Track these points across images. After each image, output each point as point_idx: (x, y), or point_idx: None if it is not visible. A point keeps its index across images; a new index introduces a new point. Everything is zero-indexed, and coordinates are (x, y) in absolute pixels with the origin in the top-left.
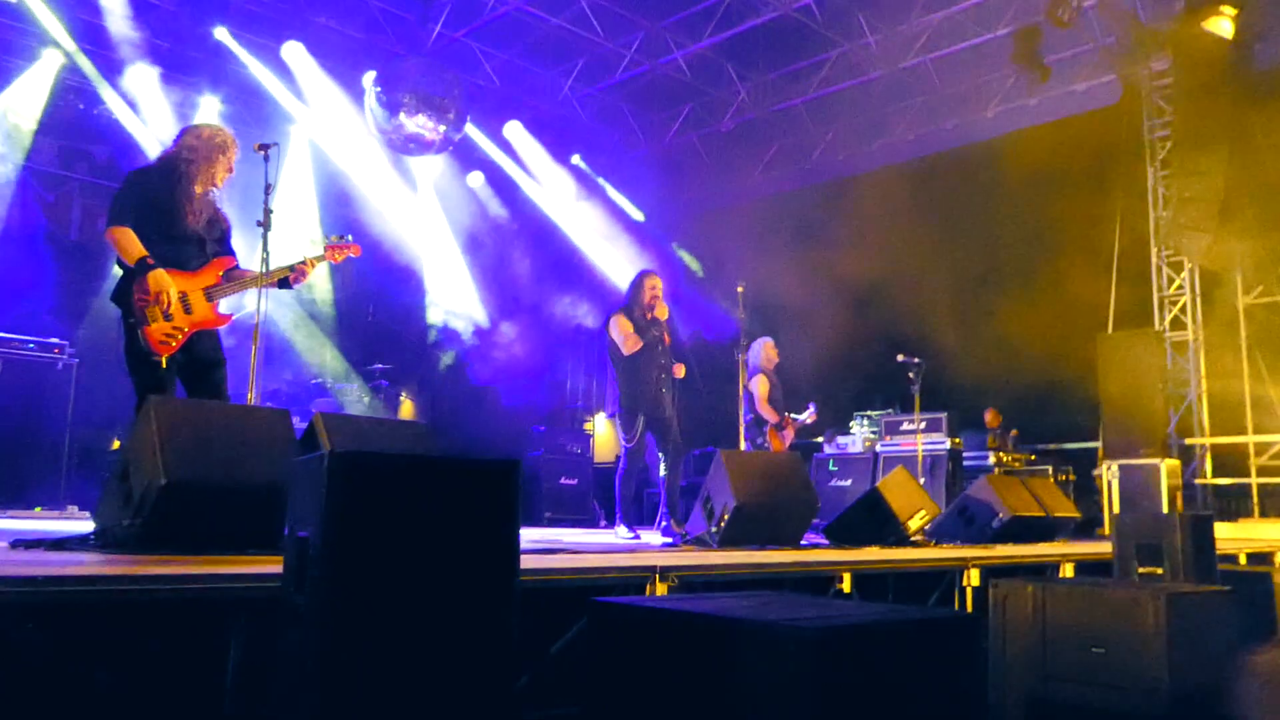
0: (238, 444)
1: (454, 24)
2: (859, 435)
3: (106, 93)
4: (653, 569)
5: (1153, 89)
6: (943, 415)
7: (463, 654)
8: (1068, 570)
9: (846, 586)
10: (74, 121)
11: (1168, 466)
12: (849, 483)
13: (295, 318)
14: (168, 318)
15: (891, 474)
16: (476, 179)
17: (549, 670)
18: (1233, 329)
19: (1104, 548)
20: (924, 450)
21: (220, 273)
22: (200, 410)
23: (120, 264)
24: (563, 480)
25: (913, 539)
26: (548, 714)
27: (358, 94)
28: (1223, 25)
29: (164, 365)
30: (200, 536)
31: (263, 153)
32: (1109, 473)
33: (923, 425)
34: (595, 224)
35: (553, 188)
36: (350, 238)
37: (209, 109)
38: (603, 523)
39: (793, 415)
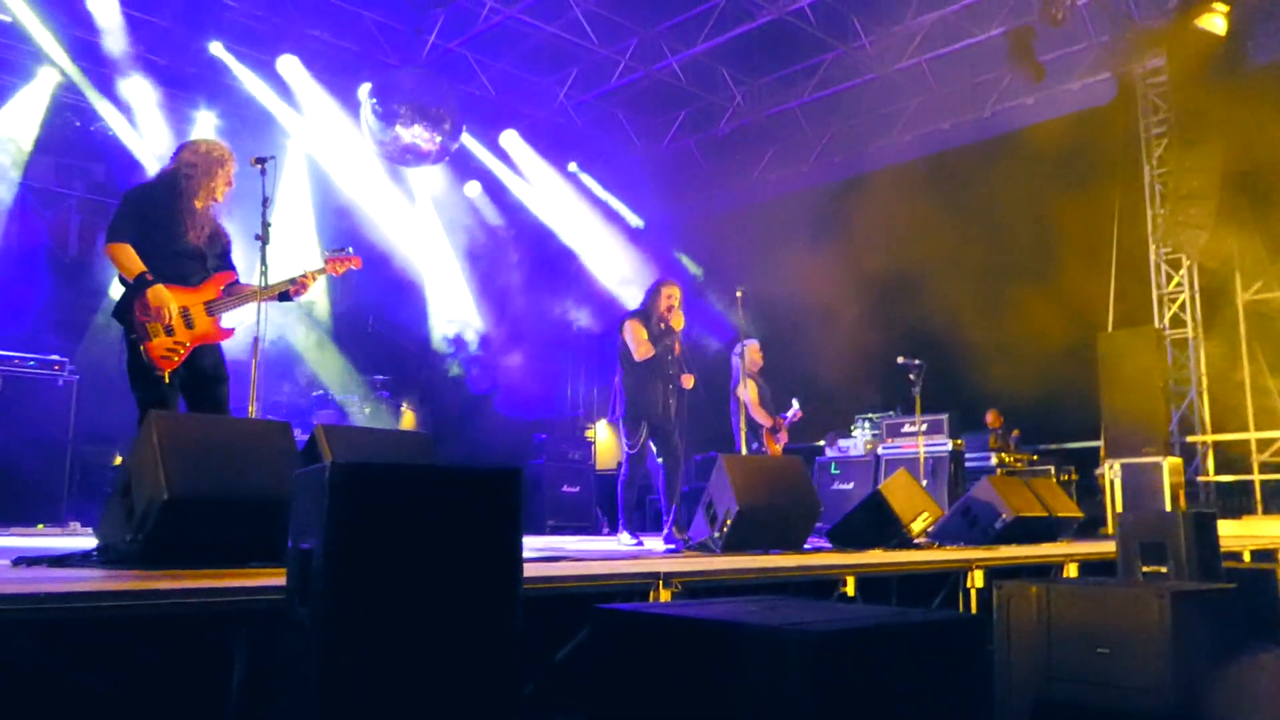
0: (239, 457)
1: (448, 34)
2: (860, 438)
3: (103, 109)
4: (656, 575)
5: (1148, 86)
6: (944, 417)
7: (466, 663)
8: (1071, 570)
9: (850, 590)
10: (71, 139)
11: (1170, 465)
12: (851, 486)
13: (295, 330)
14: (169, 333)
15: (893, 476)
16: (474, 188)
17: (553, 678)
18: (1232, 325)
19: (1107, 547)
20: (926, 452)
21: (221, 287)
22: (201, 424)
23: (121, 280)
24: (565, 488)
25: (916, 541)
26: None
27: (353, 106)
28: (1216, 22)
29: (167, 380)
30: (203, 550)
31: (259, 166)
32: (1111, 472)
33: (924, 427)
34: (593, 231)
35: (550, 196)
36: (350, 249)
37: (205, 124)
38: (605, 529)
39: (781, 415)
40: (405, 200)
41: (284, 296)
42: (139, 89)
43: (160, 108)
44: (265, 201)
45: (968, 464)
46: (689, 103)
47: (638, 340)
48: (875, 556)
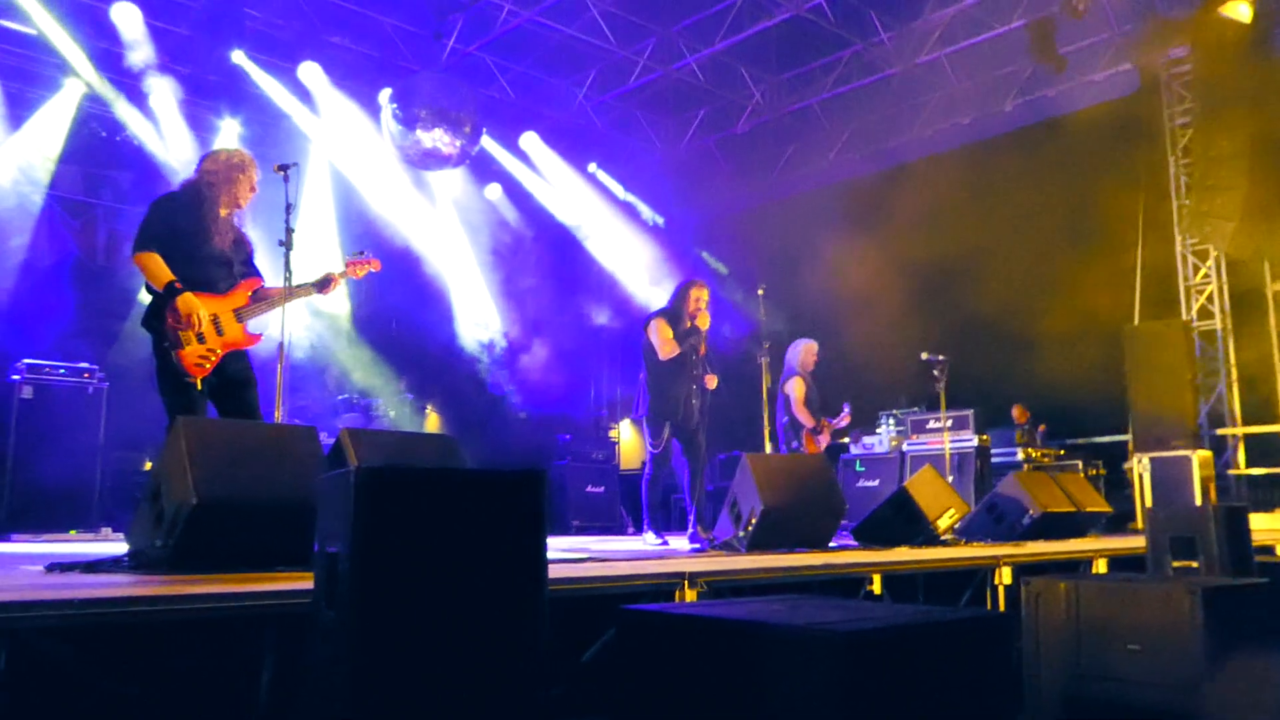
0: (266, 462)
1: (467, 38)
2: (885, 435)
3: (128, 119)
4: (681, 575)
5: (1172, 77)
6: (969, 412)
7: (494, 666)
8: (1100, 566)
9: (877, 588)
10: (97, 148)
11: (1199, 458)
12: (876, 483)
13: (320, 335)
14: (201, 340)
15: (919, 473)
16: (494, 191)
17: (581, 679)
18: (1261, 316)
19: (1137, 542)
20: (951, 448)
21: (248, 293)
22: (229, 429)
23: (149, 289)
24: (589, 488)
25: (942, 538)
26: None
27: (374, 111)
28: (1241, 10)
29: (199, 387)
30: (232, 555)
31: (282, 173)
32: (1140, 466)
33: (949, 423)
34: (614, 231)
35: (570, 197)
36: (369, 253)
37: (229, 132)
38: (630, 529)
39: (828, 419)
40: (427, 204)
41: (321, 286)
42: (163, 98)
43: (184, 116)
44: (288, 208)
45: (994, 460)
46: (708, 101)
47: (663, 339)
48: (901, 554)
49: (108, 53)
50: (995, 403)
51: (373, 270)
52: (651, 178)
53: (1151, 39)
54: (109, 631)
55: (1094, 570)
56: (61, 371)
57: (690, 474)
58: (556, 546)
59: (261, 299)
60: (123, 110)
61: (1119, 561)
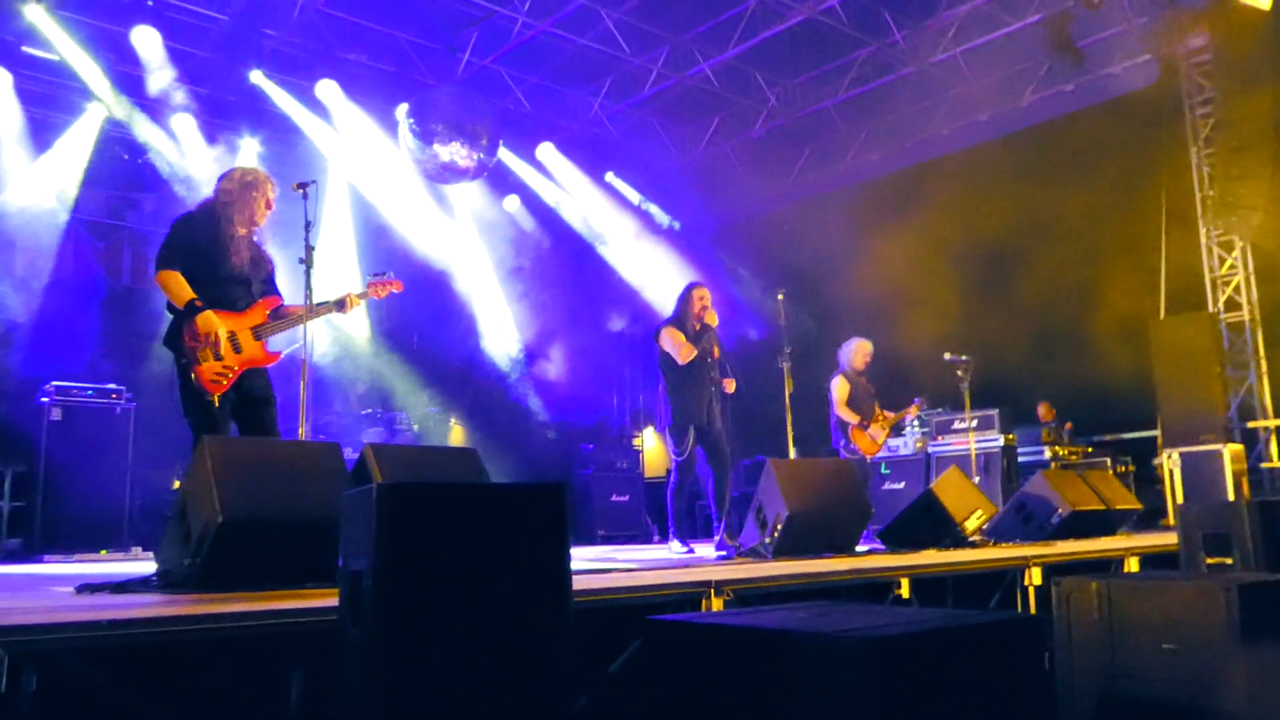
0: (292, 479)
1: (482, 51)
2: (910, 437)
3: (150, 141)
4: (707, 584)
5: (1191, 67)
6: (994, 412)
7: (520, 679)
8: (1132, 564)
9: (905, 592)
10: (120, 171)
11: (1231, 451)
12: (902, 485)
13: (342, 351)
14: (218, 358)
15: (945, 474)
16: (513, 203)
17: (608, 690)
18: None
19: (1169, 539)
20: (977, 448)
21: (267, 311)
22: (254, 448)
23: (170, 308)
24: (614, 497)
25: (970, 540)
26: None
27: (392, 127)
28: None
29: (217, 404)
30: (259, 572)
31: (301, 191)
32: (1170, 461)
33: (974, 423)
34: (632, 240)
35: (589, 206)
36: (391, 274)
37: (249, 151)
38: (656, 538)
39: (887, 412)
40: (446, 217)
41: (341, 305)
42: (183, 120)
43: (204, 137)
44: (308, 225)
45: (1020, 459)
46: (723, 107)
47: (677, 344)
48: (929, 557)
49: (128, 76)
50: (1020, 401)
51: (395, 290)
52: (669, 185)
53: (1170, 29)
54: (138, 651)
55: (1125, 569)
56: (89, 393)
57: (715, 481)
58: (582, 556)
59: (280, 317)
60: (144, 132)
61: (1151, 559)
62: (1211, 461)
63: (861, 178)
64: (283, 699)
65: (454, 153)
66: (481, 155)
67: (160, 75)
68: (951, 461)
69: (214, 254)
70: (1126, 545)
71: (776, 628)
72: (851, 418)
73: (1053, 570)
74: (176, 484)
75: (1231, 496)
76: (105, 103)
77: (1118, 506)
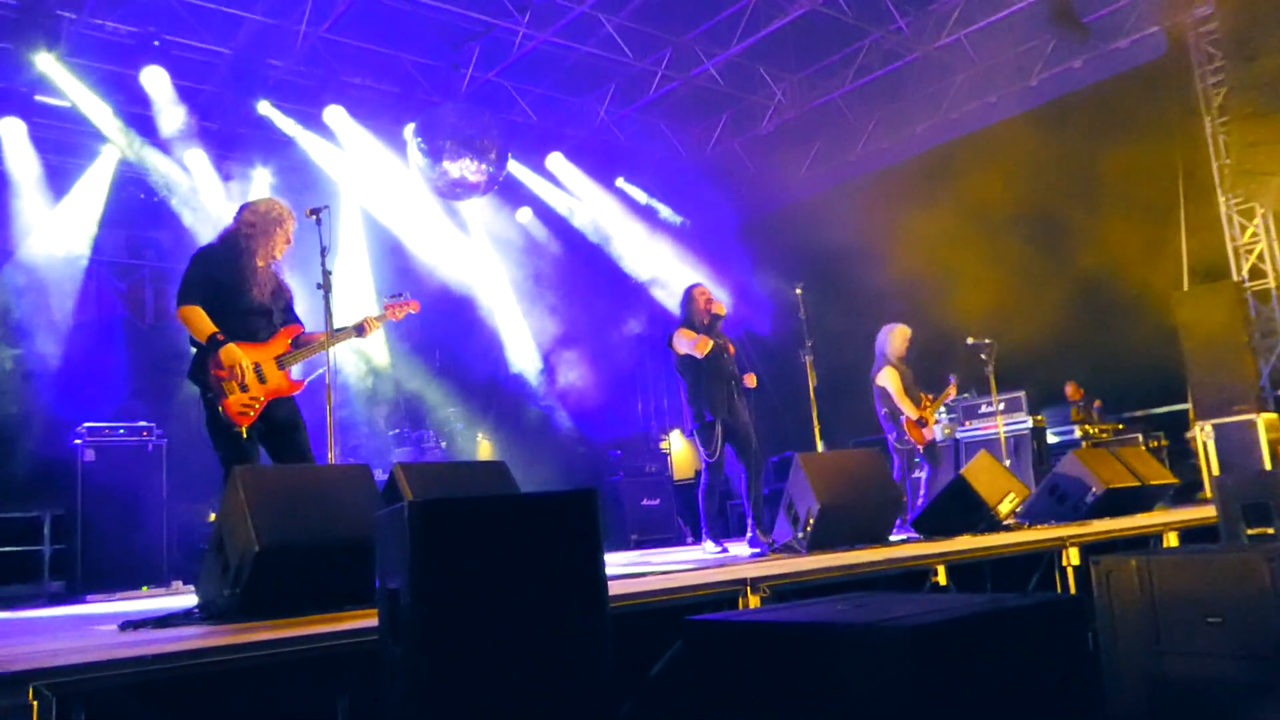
0: (324, 503)
1: (485, 66)
2: (938, 424)
3: (164, 179)
4: (743, 581)
5: (1199, 36)
6: (1021, 394)
7: (561, 687)
8: (1171, 539)
9: (942, 579)
10: (137, 211)
11: (1265, 420)
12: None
13: (366, 374)
14: (244, 389)
15: (975, 459)
16: (525, 214)
17: (651, 693)
18: None
19: (1207, 512)
20: (1006, 431)
21: (289, 340)
22: (284, 475)
23: (193, 342)
24: (645, 501)
25: (1005, 523)
26: None
27: (400, 147)
28: None
29: (245, 435)
30: (299, 597)
31: (315, 217)
32: (1203, 433)
33: (1002, 406)
34: (645, 243)
35: (601, 212)
36: (407, 294)
37: (261, 182)
38: (689, 539)
39: (930, 396)
40: (460, 234)
41: (360, 330)
42: (195, 155)
43: (217, 171)
44: (324, 251)
45: (1051, 439)
46: (730, 105)
47: (691, 339)
48: (964, 543)
49: (140, 117)
50: (1047, 382)
51: (412, 311)
52: (679, 186)
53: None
54: (184, 684)
55: (1165, 544)
56: (121, 432)
57: (746, 478)
58: (616, 562)
59: (302, 345)
60: (158, 171)
61: (1190, 533)
62: (1246, 431)
63: (874, 166)
64: None
65: (463, 168)
66: (491, 169)
67: (171, 113)
68: (981, 446)
69: (234, 286)
70: (1164, 520)
71: (815, 621)
72: (913, 410)
73: (1090, 550)
74: (212, 516)
75: (1269, 465)
76: (118, 144)
77: (1153, 482)
